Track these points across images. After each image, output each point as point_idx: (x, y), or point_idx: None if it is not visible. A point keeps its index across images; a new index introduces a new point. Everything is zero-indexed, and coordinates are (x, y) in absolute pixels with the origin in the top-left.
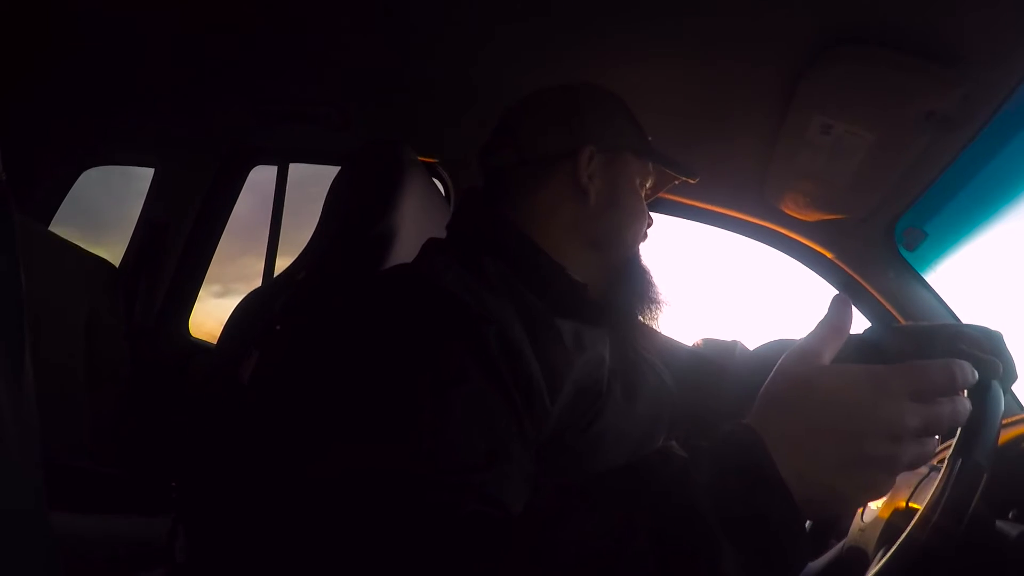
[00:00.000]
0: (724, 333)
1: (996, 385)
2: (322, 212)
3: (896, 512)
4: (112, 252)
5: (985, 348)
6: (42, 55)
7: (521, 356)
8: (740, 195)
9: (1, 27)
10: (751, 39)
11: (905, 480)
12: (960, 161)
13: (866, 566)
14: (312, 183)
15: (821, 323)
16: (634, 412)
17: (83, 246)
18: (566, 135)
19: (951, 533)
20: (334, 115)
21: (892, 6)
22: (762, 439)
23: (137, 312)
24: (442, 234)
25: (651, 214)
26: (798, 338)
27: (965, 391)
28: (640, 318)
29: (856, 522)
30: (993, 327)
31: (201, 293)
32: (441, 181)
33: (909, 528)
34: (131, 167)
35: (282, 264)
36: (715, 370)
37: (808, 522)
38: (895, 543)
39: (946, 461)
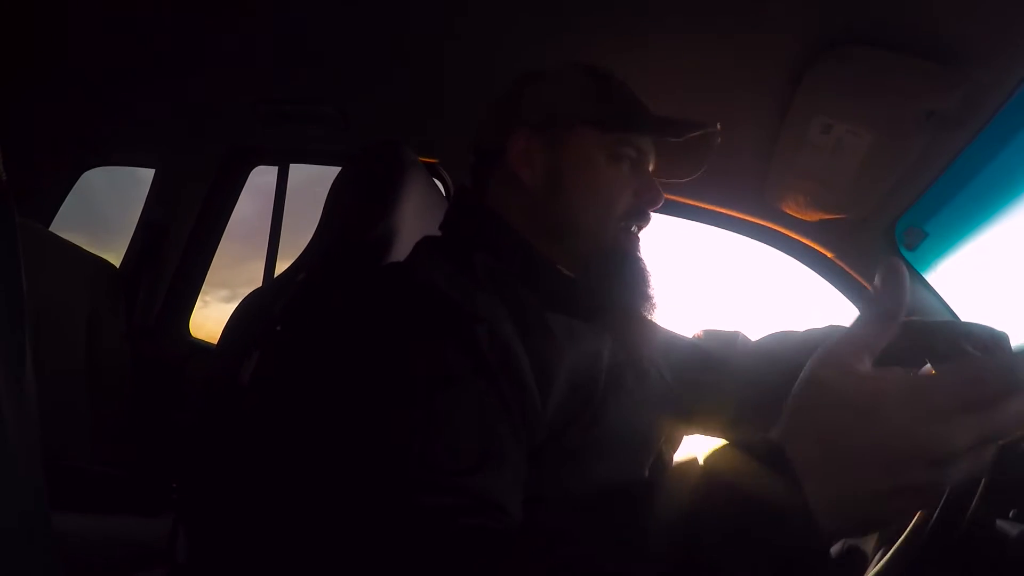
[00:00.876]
0: (725, 327)
1: None
2: (322, 213)
3: None
4: (120, 255)
5: (989, 349)
6: (42, 55)
7: (512, 355)
8: (740, 195)
9: (1, 27)
10: (752, 38)
11: None
12: (961, 161)
13: (865, 566)
14: (319, 184)
15: (864, 312)
16: (633, 413)
17: (91, 249)
18: (499, 123)
19: (950, 534)
20: (334, 115)
21: (893, 6)
22: (793, 467)
23: (138, 312)
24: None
25: (651, 193)
26: (804, 330)
27: None
28: (637, 313)
29: None
30: (998, 327)
31: (208, 297)
32: (441, 182)
33: (908, 528)
34: (135, 169)
35: (284, 265)
36: (716, 362)
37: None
38: (895, 543)
39: None
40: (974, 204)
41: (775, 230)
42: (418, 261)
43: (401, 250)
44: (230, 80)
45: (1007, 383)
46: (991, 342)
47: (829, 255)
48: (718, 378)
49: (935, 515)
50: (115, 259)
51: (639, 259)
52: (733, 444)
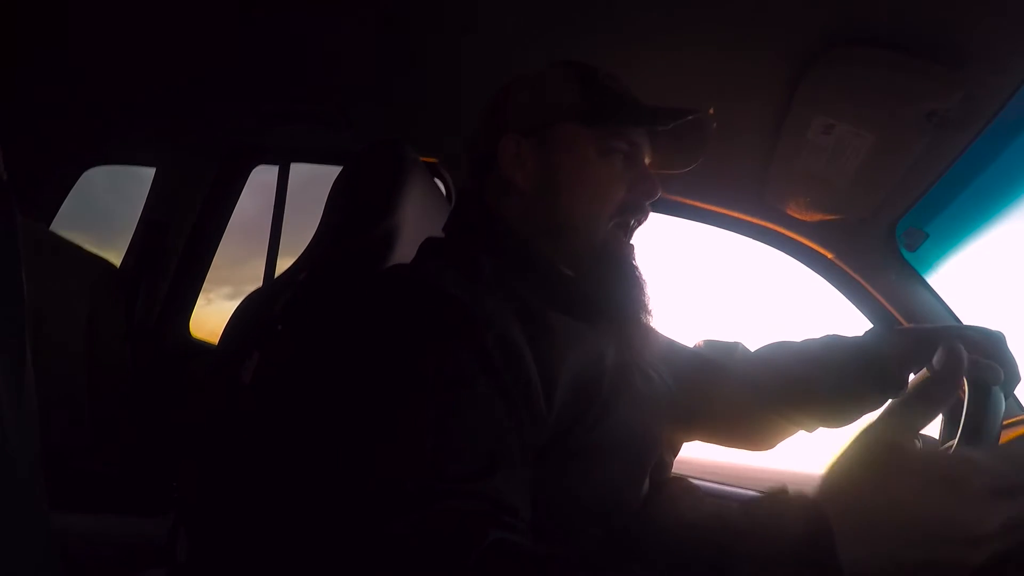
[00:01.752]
0: (725, 334)
1: (997, 390)
2: (323, 212)
3: None
4: (123, 254)
5: (987, 352)
6: (42, 55)
7: (521, 359)
8: (741, 195)
9: (1, 26)
10: (752, 39)
11: None
12: (961, 162)
13: None
14: (321, 183)
15: (915, 387)
16: (635, 416)
17: (94, 249)
18: (488, 130)
19: None
20: (335, 115)
21: (893, 6)
22: (829, 530)
23: (138, 312)
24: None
25: (646, 184)
26: (802, 339)
27: (965, 395)
28: (638, 317)
29: None
30: (994, 329)
31: (211, 295)
32: (442, 181)
33: None
34: (137, 168)
35: (287, 263)
36: (715, 371)
37: None
38: None
39: None
40: (975, 205)
41: (775, 231)
42: (424, 263)
43: (402, 249)
44: (230, 79)
45: None
46: (987, 345)
47: (829, 256)
48: (717, 385)
49: None
50: (118, 258)
51: (633, 265)
52: (776, 496)
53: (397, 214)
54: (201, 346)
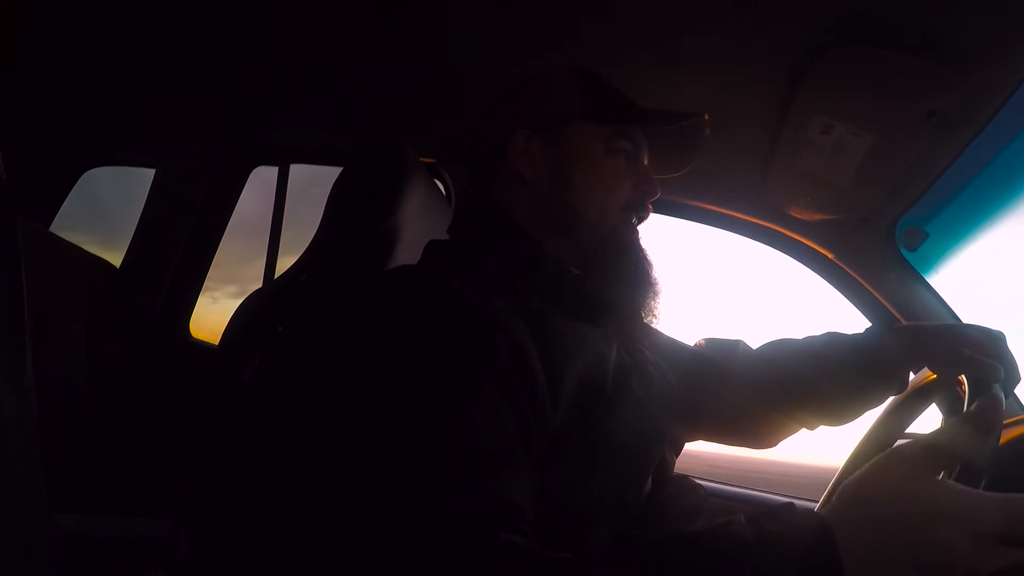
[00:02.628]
0: (726, 333)
1: (998, 389)
2: (324, 213)
3: None
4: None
5: (987, 351)
6: (42, 55)
7: (527, 360)
8: (740, 195)
9: (1, 26)
10: (752, 39)
11: None
12: (961, 161)
13: None
14: (325, 182)
15: (951, 424)
16: (638, 416)
17: (97, 248)
18: (497, 126)
19: None
20: (335, 115)
21: (893, 6)
22: (836, 543)
23: (138, 312)
24: (443, 234)
25: (648, 184)
26: (803, 337)
27: (966, 395)
28: (643, 316)
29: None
30: (994, 328)
31: (216, 293)
32: (442, 181)
33: None
34: (138, 169)
35: (287, 264)
36: (717, 370)
37: None
38: None
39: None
40: (974, 204)
41: (775, 230)
42: (431, 265)
43: (403, 250)
44: (231, 80)
45: None
46: (988, 344)
47: (829, 255)
48: (719, 384)
49: None
50: (118, 258)
51: (641, 249)
52: (785, 514)
53: (398, 215)
54: (201, 346)
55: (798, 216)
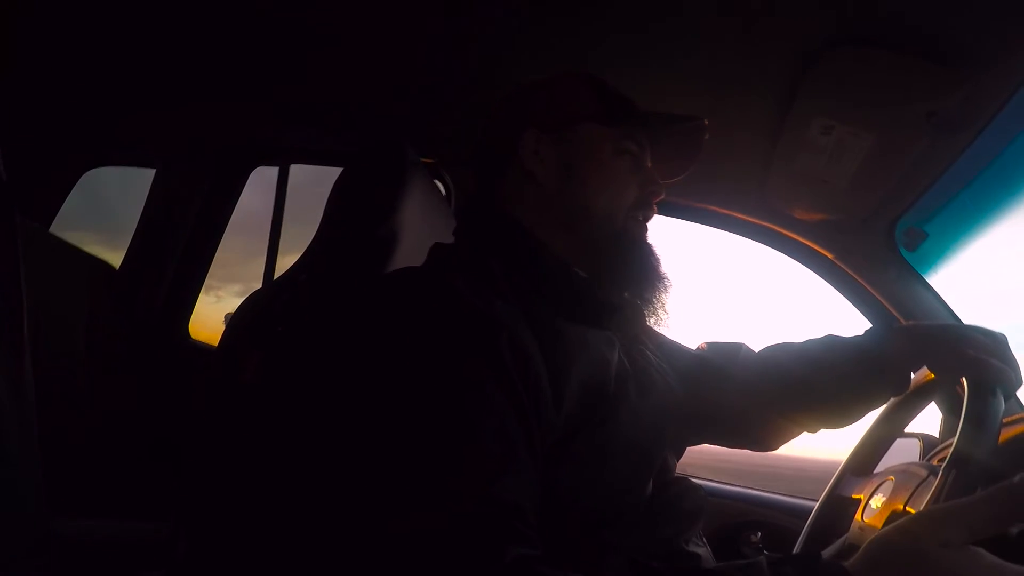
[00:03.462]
0: (727, 334)
1: (998, 393)
2: (324, 213)
3: (894, 514)
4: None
5: (989, 353)
6: (42, 54)
7: (532, 364)
8: (741, 196)
9: (1, 27)
10: (752, 40)
11: (903, 483)
12: (961, 161)
13: None
14: (326, 181)
15: (992, 495)
16: (641, 418)
17: (99, 248)
18: (507, 127)
19: None
20: (335, 115)
21: (893, 7)
22: None
23: (138, 312)
24: (444, 234)
25: (654, 185)
26: (803, 340)
27: (965, 397)
28: (651, 313)
29: (856, 520)
30: (996, 330)
31: (221, 292)
32: (442, 182)
33: None
34: (138, 169)
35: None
36: (719, 373)
37: None
38: None
39: (940, 471)
40: (974, 205)
41: (775, 231)
42: (435, 267)
43: (403, 250)
44: (231, 80)
45: None
46: (991, 345)
47: (829, 255)
48: (720, 388)
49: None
50: (119, 258)
51: (650, 245)
52: (807, 563)
53: (398, 215)
54: (201, 346)
55: (798, 217)
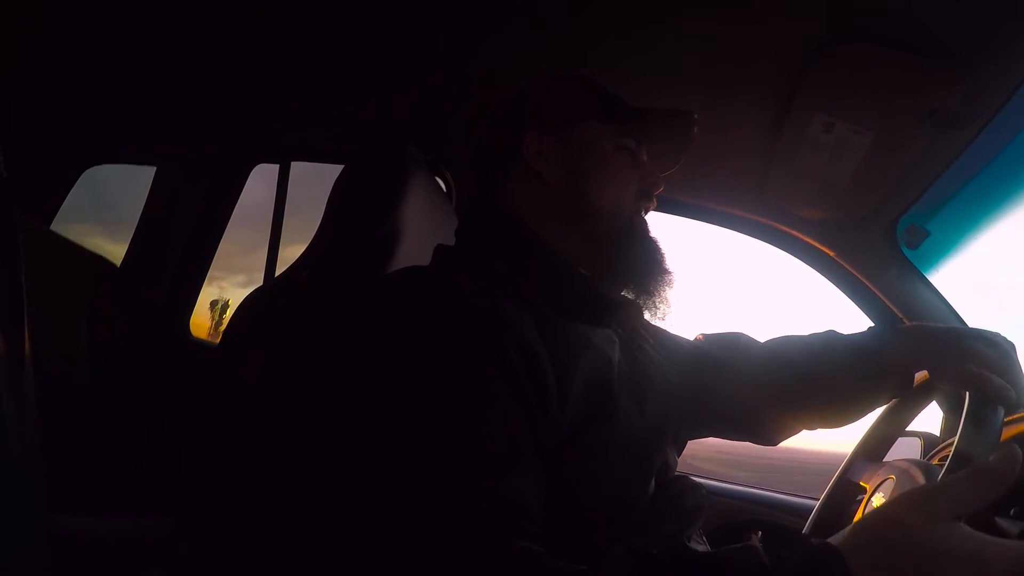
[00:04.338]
0: (726, 328)
1: (999, 411)
2: (325, 211)
3: None
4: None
5: (993, 367)
6: (42, 53)
7: (537, 361)
8: (742, 193)
9: (1, 26)
10: (753, 37)
11: (903, 484)
12: (962, 159)
13: None
14: (328, 178)
15: (971, 472)
16: (643, 415)
17: (103, 244)
18: (509, 129)
19: None
20: (336, 113)
21: (895, 4)
22: (849, 572)
23: (138, 311)
24: (445, 233)
25: (653, 177)
26: (806, 334)
27: (966, 398)
28: (656, 304)
29: (858, 517)
30: (1004, 338)
31: (224, 283)
32: (443, 180)
33: None
34: (139, 167)
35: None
36: (717, 366)
37: None
38: None
39: (940, 474)
40: (976, 202)
41: (776, 228)
42: (442, 266)
43: (405, 247)
44: (232, 78)
45: None
46: (996, 359)
47: (830, 253)
48: (719, 380)
49: None
50: (119, 257)
51: (654, 238)
52: (800, 543)
53: (400, 213)
54: (202, 344)
55: (799, 214)
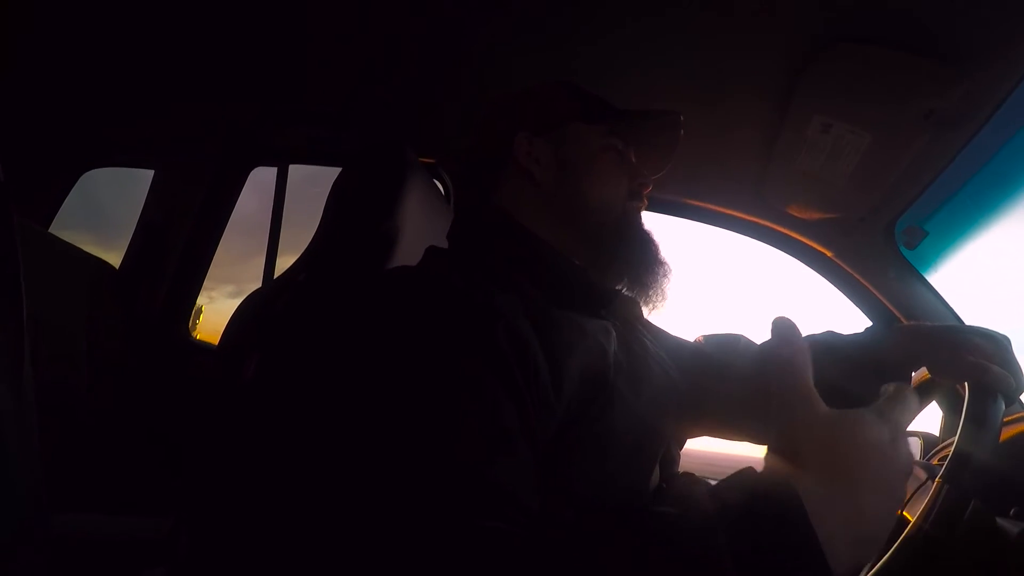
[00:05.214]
0: (725, 330)
1: (1000, 401)
2: (323, 213)
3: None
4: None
5: (991, 357)
6: (42, 55)
7: (529, 351)
8: (740, 194)
9: (1, 27)
10: (751, 37)
11: None
12: (960, 159)
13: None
14: (326, 181)
15: (779, 357)
16: (641, 407)
17: (97, 249)
18: (500, 132)
19: (950, 533)
20: (334, 116)
21: (892, 5)
22: (802, 505)
23: (137, 313)
24: (443, 234)
25: (642, 177)
26: (804, 335)
27: (966, 397)
28: (651, 298)
29: None
30: (999, 333)
31: (214, 293)
32: (441, 182)
33: (908, 528)
34: (138, 169)
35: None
36: (717, 366)
37: None
38: (884, 553)
39: (933, 485)
40: (974, 203)
41: (774, 229)
42: (433, 263)
43: (403, 250)
44: (230, 81)
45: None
46: (992, 351)
47: (828, 254)
48: (720, 380)
49: (933, 515)
50: (118, 258)
51: (648, 232)
52: (747, 481)
53: (398, 215)
54: (200, 346)
55: (797, 215)
